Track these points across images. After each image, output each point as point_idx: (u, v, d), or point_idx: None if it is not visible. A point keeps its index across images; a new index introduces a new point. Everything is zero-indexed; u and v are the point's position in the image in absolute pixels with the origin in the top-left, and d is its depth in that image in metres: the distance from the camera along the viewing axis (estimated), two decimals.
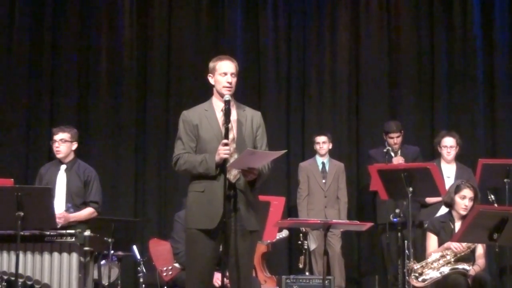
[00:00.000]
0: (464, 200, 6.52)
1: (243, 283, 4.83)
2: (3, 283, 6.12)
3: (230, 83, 4.90)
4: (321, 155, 8.60)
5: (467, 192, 6.52)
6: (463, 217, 6.47)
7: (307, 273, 8.12)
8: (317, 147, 8.60)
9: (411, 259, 6.55)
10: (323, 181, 8.53)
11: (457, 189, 6.57)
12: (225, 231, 4.73)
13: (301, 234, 8.14)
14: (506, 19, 9.57)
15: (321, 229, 6.19)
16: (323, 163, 8.60)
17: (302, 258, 8.16)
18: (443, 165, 7.79)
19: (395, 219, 7.06)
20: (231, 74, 4.92)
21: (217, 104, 4.95)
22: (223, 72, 4.91)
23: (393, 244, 7.92)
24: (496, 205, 7.12)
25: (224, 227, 4.72)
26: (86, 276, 5.99)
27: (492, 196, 7.29)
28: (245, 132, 4.92)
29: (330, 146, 8.64)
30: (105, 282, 7.16)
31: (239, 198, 4.80)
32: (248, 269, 4.89)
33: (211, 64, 5.00)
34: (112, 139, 9.35)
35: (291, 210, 8.86)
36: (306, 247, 8.16)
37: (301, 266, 8.18)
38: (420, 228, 7.57)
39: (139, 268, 7.37)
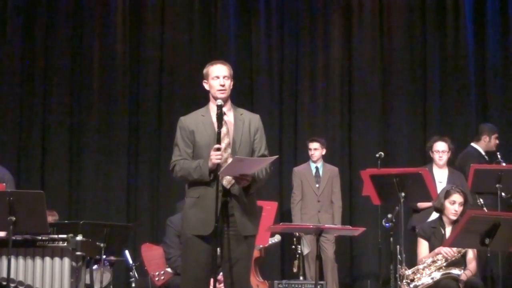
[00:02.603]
0: (454, 205, 6.54)
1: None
2: None
3: (223, 86, 4.90)
4: (314, 161, 8.61)
5: (457, 197, 6.54)
6: (453, 222, 6.50)
7: (301, 278, 8.11)
8: (309, 153, 8.62)
9: (403, 265, 6.56)
10: (317, 185, 8.54)
11: (446, 194, 6.59)
12: (219, 237, 4.73)
13: (294, 239, 8.14)
14: (498, 25, 9.61)
15: (313, 234, 6.19)
16: (316, 168, 8.61)
17: (296, 262, 8.15)
18: (435, 170, 7.80)
19: (387, 224, 7.06)
20: (224, 77, 4.92)
21: (213, 109, 4.93)
22: (216, 76, 4.92)
23: (385, 249, 7.93)
24: (485, 209, 7.14)
25: (217, 233, 4.72)
26: (78, 281, 5.97)
27: (481, 200, 7.31)
28: (242, 136, 4.91)
29: (324, 152, 8.64)
30: (97, 287, 7.12)
31: (233, 204, 4.79)
32: (244, 274, 4.87)
33: (204, 70, 5.01)
34: (104, 144, 9.35)
35: (284, 215, 8.86)
36: (299, 251, 8.15)
37: (295, 270, 8.17)
38: (412, 233, 7.58)
39: (131, 273, 7.36)
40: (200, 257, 4.79)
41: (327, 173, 8.60)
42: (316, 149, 8.57)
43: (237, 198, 4.81)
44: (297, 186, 8.60)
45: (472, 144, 8.42)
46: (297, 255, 8.13)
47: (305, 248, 8.15)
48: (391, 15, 9.69)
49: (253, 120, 5.01)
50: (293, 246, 8.13)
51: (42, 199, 5.84)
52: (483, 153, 8.33)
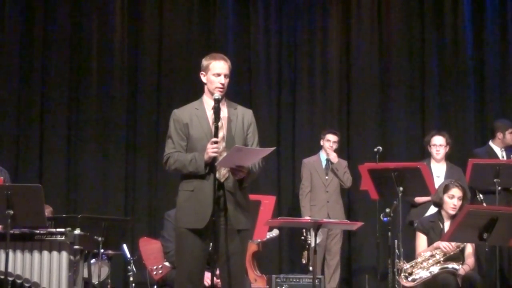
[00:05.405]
0: (452, 200, 6.55)
1: (234, 282, 4.82)
2: None
3: (223, 85, 4.88)
4: (329, 154, 8.55)
5: (456, 192, 6.55)
6: (452, 217, 6.50)
7: (310, 268, 7.99)
8: (327, 144, 8.57)
9: (401, 259, 6.57)
10: (326, 177, 8.53)
11: (445, 188, 6.60)
12: (214, 231, 4.73)
13: (304, 230, 8.06)
14: (497, 18, 9.61)
15: (311, 229, 6.19)
16: (327, 160, 8.58)
17: (305, 253, 8.07)
18: (433, 164, 7.81)
19: (385, 219, 7.07)
20: (225, 75, 4.89)
21: (208, 103, 4.93)
22: (217, 73, 4.88)
23: (383, 243, 7.93)
24: (484, 204, 7.14)
25: (213, 227, 4.72)
26: (76, 275, 5.99)
27: (481, 196, 7.30)
28: (236, 130, 4.90)
29: (337, 146, 8.63)
30: (95, 280, 7.15)
31: (227, 198, 4.78)
32: (239, 268, 4.87)
33: (204, 62, 4.95)
34: (102, 138, 9.34)
35: (282, 209, 8.87)
36: (309, 242, 8.07)
37: (304, 261, 8.09)
38: (410, 227, 7.59)
39: (129, 267, 7.37)
40: (194, 250, 4.78)
41: (337, 165, 8.56)
42: (335, 142, 8.54)
43: (231, 192, 4.80)
44: (307, 178, 8.58)
45: (490, 142, 8.38)
46: (307, 246, 8.04)
47: (318, 237, 8.05)
48: (390, 10, 9.68)
49: (246, 114, 5.00)
50: (303, 237, 8.03)
51: (40, 193, 5.85)
52: (497, 151, 8.26)
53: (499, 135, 8.30)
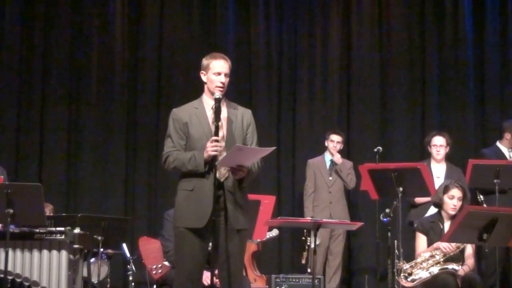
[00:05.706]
0: (452, 200, 6.55)
1: (233, 281, 4.82)
2: None
3: (223, 84, 4.89)
4: (333, 154, 8.54)
5: (456, 192, 6.55)
6: (452, 217, 6.50)
7: (309, 270, 8.02)
8: (331, 145, 8.57)
9: (401, 259, 6.56)
10: (330, 178, 8.52)
11: (445, 189, 6.60)
12: (214, 230, 4.73)
13: (305, 230, 8.07)
14: (498, 18, 9.60)
15: (311, 229, 6.19)
16: (331, 161, 8.58)
17: (305, 254, 8.09)
18: (433, 165, 7.81)
19: (385, 219, 7.07)
20: (225, 74, 4.90)
21: (208, 102, 4.93)
22: (217, 72, 4.89)
23: (382, 244, 7.92)
24: (485, 205, 7.14)
25: (213, 226, 4.72)
26: (75, 274, 5.98)
27: (481, 197, 7.30)
28: (235, 130, 4.90)
29: (341, 146, 8.62)
30: (94, 280, 7.15)
31: (227, 198, 4.78)
32: (238, 268, 4.87)
33: (204, 61, 4.96)
34: (102, 137, 9.33)
35: (281, 209, 8.87)
36: (309, 243, 8.07)
37: (303, 262, 8.11)
38: (410, 228, 7.59)
39: (128, 266, 7.37)
40: (194, 250, 4.79)
41: (341, 166, 8.55)
42: (338, 142, 8.53)
43: (230, 192, 4.80)
44: (310, 178, 8.57)
45: (497, 143, 8.37)
46: (306, 247, 8.05)
47: (318, 239, 8.05)
48: (390, 11, 9.68)
49: (245, 114, 5.01)
50: (303, 238, 8.04)
51: (40, 191, 5.85)
52: (505, 151, 8.26)
53: (507, 135, 8.27)
